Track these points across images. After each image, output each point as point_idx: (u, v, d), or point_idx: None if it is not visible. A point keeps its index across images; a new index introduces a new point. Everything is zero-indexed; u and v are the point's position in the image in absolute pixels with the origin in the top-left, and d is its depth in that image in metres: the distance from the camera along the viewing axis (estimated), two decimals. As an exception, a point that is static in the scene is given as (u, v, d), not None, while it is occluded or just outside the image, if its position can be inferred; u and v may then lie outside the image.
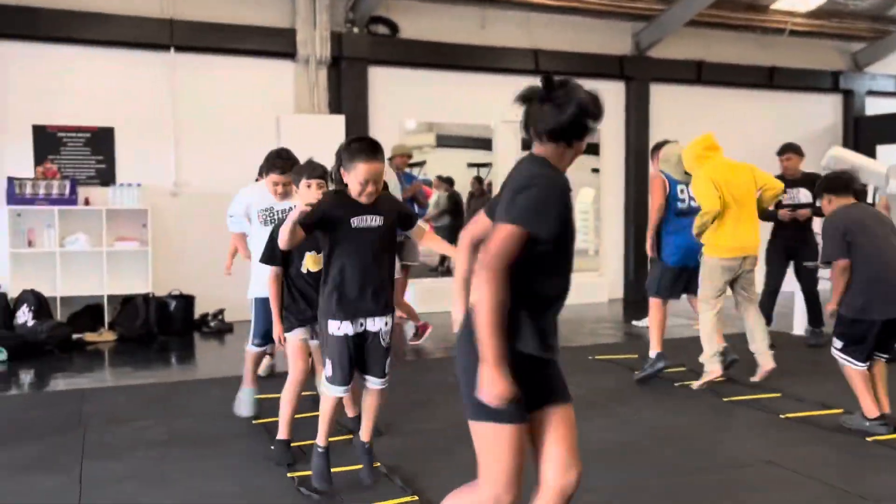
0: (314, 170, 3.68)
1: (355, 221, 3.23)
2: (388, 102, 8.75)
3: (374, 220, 3.27)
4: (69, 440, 4.22)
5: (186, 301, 7.72)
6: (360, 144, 3.22)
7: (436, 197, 11.43)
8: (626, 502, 3.42)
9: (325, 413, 3.42)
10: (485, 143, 9.73)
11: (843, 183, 4.49)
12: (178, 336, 7.51)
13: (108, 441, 4.22)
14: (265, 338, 4.45)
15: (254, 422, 4.55)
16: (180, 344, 7.32)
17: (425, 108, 9.05)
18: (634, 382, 5.43)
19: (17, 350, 6.53)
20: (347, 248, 3.24)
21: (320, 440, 3.43)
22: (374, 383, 3.43)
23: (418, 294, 8.70)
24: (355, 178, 3.18)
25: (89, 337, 7.20)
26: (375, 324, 3.33)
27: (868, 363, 4.24)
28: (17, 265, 7.28)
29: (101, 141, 7.73)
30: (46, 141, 7.54)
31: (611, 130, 9.71)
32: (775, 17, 10.09)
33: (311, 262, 3.78)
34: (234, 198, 4.76)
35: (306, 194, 3.63)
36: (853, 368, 4.24)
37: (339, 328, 3.27)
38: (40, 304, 7.01)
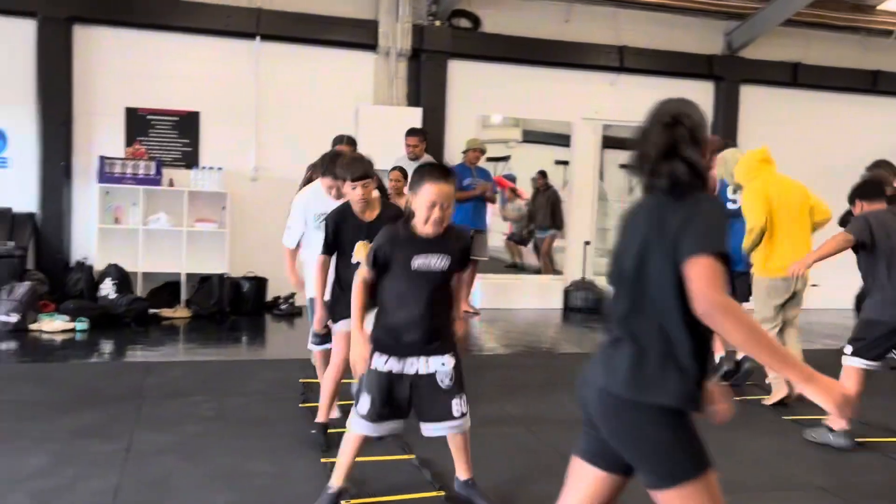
0: (356, 169, 3.62)
1: (416, 263, 2.95)
2: (466, 96, 8.74)
3: (438, 262, 2.97)
4: (127, 410, 4.41)
5: (259, 283, 7.95)
6: (430, 167, 2.99)
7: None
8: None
9: (345, 451, 3.10)
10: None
11: (875, 188, 4.38)
12: (249, 316, 7.75)
13: (161, 414, 4.40)
14: (323, 336, 4.12)
15: (300, 405, 4.65)
16: (250, 324, 7.55)
17: (504, 102, 9.00)
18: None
19: (97, 320, 6.89)
20: (402, 287, 2.96)
21: (333, 480, 3.14)
22: (439, 429, 3.07)
23: (487, 290, 8.70)
24: (422, 200, 2.88)
25: (165, 312, 7.52)
26: (430, 365, 3.01)
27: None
28: (104, 240, 7.66)
29: (187, 125, 8.04)
30: (137, 123, 7.91)
31: (697, 132, 9.38)
32: (881, 18, 9.53)
33: (360, 252, 3.64)
34: (293, 206, 4.51)
35: (352, 195, 3.64)
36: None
37: (385, 364, 2.99)
38: (122, 279, 7.37)
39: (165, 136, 7.99)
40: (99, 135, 7.82)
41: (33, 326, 6.61)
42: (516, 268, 9.56)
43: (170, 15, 7.82)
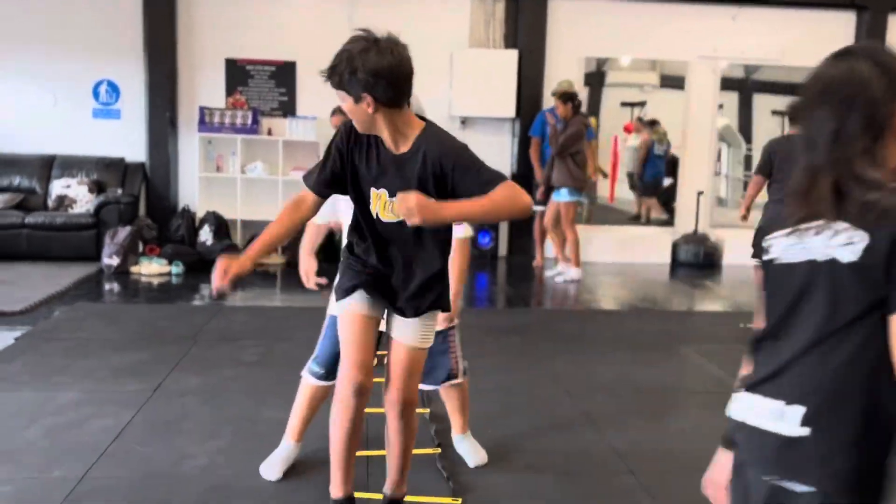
0: None
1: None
2: (567, 36, 8.24)
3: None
4: (175, 352, 4.54)
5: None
6: None
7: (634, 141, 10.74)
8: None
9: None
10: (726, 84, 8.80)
11: None
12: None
13: (205, 357, 4.49)
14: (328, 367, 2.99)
15: (343, 354, 4.60)
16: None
17: (608, 42, 8.42)
18: None
19: (193, 265, 7.19)
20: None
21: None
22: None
23: (613, 243, 8.40)
24: None
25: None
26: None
27: None
28: (206, 188, 7.96)
29: (284, 74, 8.13)
30: (236, 73, 8.09)
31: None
32: None
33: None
34: None
35: None
36: None
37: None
38: (220, 225, 7.64)
39: (263, 86, 8.13)
40: (201, 86, 8.07)
41: (133, 269, 6.99)
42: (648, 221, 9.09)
43: (266, -36, 7.89)
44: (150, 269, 6.95)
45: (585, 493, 2.93)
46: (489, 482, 2.92)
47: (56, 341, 4.70)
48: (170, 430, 3.39)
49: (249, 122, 7.86)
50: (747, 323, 5.70)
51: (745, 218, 6.15)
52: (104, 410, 3.59)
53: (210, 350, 4.63)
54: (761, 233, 1.50)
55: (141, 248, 7.28)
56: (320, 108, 8.03)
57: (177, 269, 7.03)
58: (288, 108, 8.15)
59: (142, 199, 7.98)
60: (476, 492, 2.84)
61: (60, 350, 4.51)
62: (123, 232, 7.03)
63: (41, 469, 2.96)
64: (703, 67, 8.50)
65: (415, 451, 3.15)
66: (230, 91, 8.06)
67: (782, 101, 10.47)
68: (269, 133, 8.03)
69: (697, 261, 8.34)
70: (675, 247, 8.53)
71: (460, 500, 2.76)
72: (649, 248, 8.62)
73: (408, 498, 2.75)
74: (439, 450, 3.22)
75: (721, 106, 8.91)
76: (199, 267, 7.20)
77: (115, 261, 6.89)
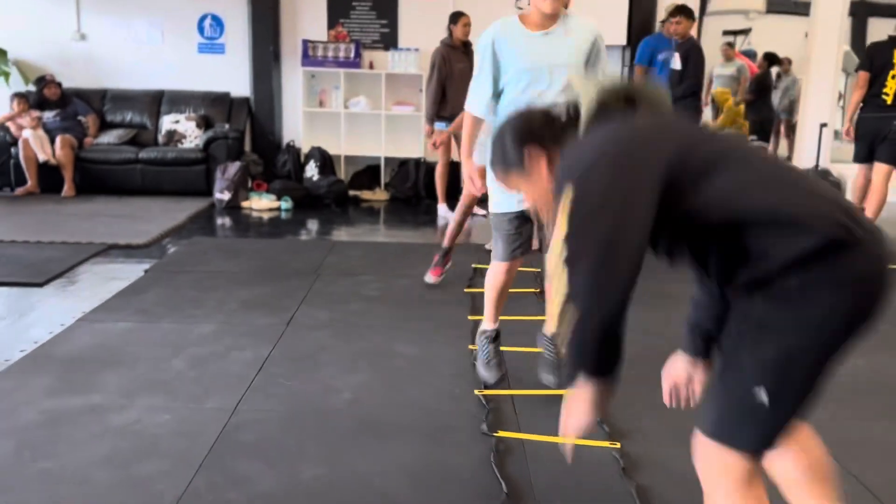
0: None
1: None
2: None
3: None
4: (299, 286, 4.56)
5: (455, 167, 7.85)
6: None
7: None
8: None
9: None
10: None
11: None
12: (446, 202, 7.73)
13: (329, 291, 4.50)
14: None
15: (465, 290, 4.54)
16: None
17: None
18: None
19: (301, 200, 7.23)
20: None
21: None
22: None
23: None
24: None
25: (365, 195, 7.71)
26: None
27: None
28: (310, 123, 7.94)
29: (385, 5, 7.95)
30: (338, 5, 7.95)
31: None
32: None
33: None
34: None
35: None
36: None
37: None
38: (325, 161, 7.63)
39: (365, 18, 7.98)
40: (303, 19, 7.98)
41: (244, 204, 7.08)
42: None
43: None
44: (261, 204, 7.02)
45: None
46: (644, 427, 2.81)
47: (183, 274, 4.79)
48: (309, 364, 3.40)
49: (352, 55, 7.74)
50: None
51: (848, 133, 5.91)
52: (242, 342, 3.62)
53: (332, 285, 4.63)
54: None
55: (249, 183, 7.35)
56: (423, 39, 7.86)
57: (286, 204, 7.08)
58: (389, 41, 7.99)
59: (247, 134, 8.03)
60: (632, 436, 2.74)
61: (189, 283, 4.59)
62: (234, 167, 7.10)
63: (195, 399, 3.01)
64: (831, -11, 7.91)
65: (558, 392, 3.09)
66: (332, 24, 7.94)
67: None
68: (371, 66, 7.91)
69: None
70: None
71: (618, 444, 2.66)
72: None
73: (563, 440, 2.67)
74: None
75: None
76: (306, 202, 7.24)
77: (226, 196, 6.98)
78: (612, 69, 7.94)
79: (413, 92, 7.88)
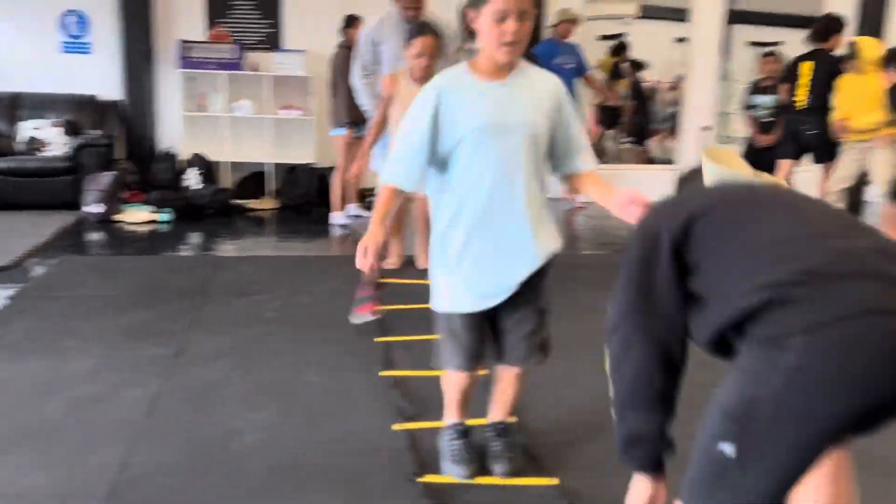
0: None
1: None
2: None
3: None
4: (187, 308, 4.17)
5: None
6: None
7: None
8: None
9: None
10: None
11: None
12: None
13: (221, 313, 4.14)
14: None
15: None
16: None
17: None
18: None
19: (182, 211, 6.74)
20: None
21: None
22: None
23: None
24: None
25: (252, 204, 7.29)
26: None
27: None
28: (190, 128, 7.44)
29: (269, 5, 7.55)
30: (217, 4, 7.49)
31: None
32: None
33: None
34: None
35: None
36: None
37: None
38: (207, 168, 7.15)
39: (247, 18, 7.55)
40: (179, 17, 7.46)
41: (118, 217, 6.51)
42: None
43: None
44: (137, 216, 6.48)
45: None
46: (580, 455, 2.66)
47: (53, 300, 4.28)
48: (207, 401, 3.05)
49: (234, 56, 7.30)
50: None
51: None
52: (127, 379, 3.23)
53: (224, 306, 4.26)
54: None
55: (123, 194, 6.79)
56: (310, 40, 7.54)
57: (165, 216, 6.57)
58: (274, 42, 7.60)
59: (119, 140, 7.43)
60: (571, 470, 2.58)
61: (61, 310, 4.10)
62: (106, 177, 6.52)
63: (76, 452, 2.61)
64: (709, -3, 8.15)
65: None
66: (210, 24, 7.47)
67: (760, 33, 10.23)
68: (255, 68, 7.49)
69: (702, 199, 8.15)
70: (680, 184, 8.30)
71: (556, 479, 2.49)
72: (650, 187, 8.37)
73: (502, 481, 2.49)
74: (514, 418, 2.95)
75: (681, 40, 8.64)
76: (188, 213, 6.77)
77: (98, 208, 6.40)
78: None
79: (301, 95, 7.52)
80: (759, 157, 6.47)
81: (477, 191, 2.26)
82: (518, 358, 2.42)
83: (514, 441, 2.60)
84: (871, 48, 5.95)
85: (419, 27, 3.72)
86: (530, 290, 2.34)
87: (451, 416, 2.59)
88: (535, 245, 2.30)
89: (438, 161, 2.30)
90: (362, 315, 3.80)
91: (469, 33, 2.23)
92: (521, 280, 2.30)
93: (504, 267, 2.29)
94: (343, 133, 6.44)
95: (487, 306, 2.33)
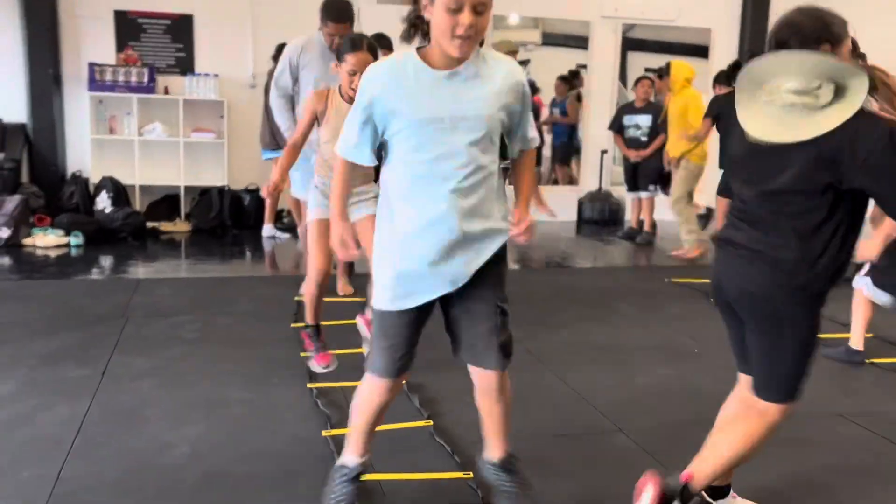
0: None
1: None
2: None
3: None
4: (107, 331, 4.22)
5: (260, 196, 7.67)
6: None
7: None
8: (661, 447, 3.06)
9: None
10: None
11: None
12: (252, 230, 7.51)
13: (142, 335, 4.20)
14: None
15: (292, 325, 4.43)
16: (251, 238, 7.32)
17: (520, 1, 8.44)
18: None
19: (93, 235, 6.70)
20: None
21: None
22: None
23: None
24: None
25: (164, 226, 7.29)
26: None
27: None
28: (99, 152, 7.40)
29: (180, 29, 7.61)
30: (127, 27, 7.49)
31: None
32: None
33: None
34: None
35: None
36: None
37: None
38: (118, 192, 7.12)
39: (158, 41, 7.58)
40: (87, 39, 7.43)
41: (27, 241, 6.43)
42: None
43: None
44: (46, 240, 6.41)
45: (585, 457, 2.96)
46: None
47: (-34, 326, 4.25)
48: (136, 419, 3.14)
49: (145, 79, 7.32)
50: (671, 278, 5.96)
51: None
52: (52, 400, 3.28)
53: (145, 328, 4.33)
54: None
55: (30, 218, 6.69)
56: (221, 64, 7.63)
57: (76, 240, 6.51)
58: (186, 66, 7.65)
59: (24, 164, 7.31)
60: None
61: (-25, 336, 4.08)
62: (12, 201, 6.43)
63: (3, 472, 2.67)
64: (605, 27, 8.68)
65: (407, 425, 3.11)
66: (121, 47, 7.47)
67: (656, 60, 10.88)
68: (167, 92, 7.52)
69: (603, 217, 8.60)
70: (580, 205, 8.75)
71: (472, 473, 2.72)
72: (555, 207, 8.78)
73: (416, 476, 2.70)
74: (431, 422, 3.17)
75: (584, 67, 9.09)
76: (99, 237, 6.73)
77: (6, 233, 6.29)
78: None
79: (213, 118, 7.59)
80: (635, 172, 7.18)
81: (416, 184, 2.10)
82: (481, 358, 2.27)
83: (524, 477, 2.42)
84: (681, 69, 6.55)
85: (353, 42, 3.39)
86: (483, 287, 2.18)
87: (350, 451, 2.40)
88: (481, 240, 2.14)
89: (384, 149, 2.17)
90: (317, 366, 3.62)
91: (419, 20, 2.06)
92: (463, 277, 2.15)
93: (447, 263, 2.12)
94: (278, 156, 6.46)
95: (422, 302, 2.17)
